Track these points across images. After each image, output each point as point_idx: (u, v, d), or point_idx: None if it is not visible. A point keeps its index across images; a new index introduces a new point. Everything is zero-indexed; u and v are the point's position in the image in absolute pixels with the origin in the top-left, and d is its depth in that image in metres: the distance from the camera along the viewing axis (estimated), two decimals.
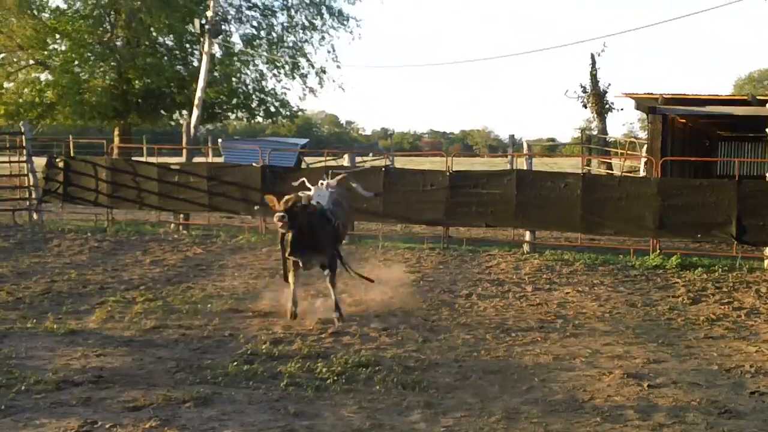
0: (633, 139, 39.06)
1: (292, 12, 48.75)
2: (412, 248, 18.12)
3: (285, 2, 48.65)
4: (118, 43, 45.64)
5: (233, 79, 47.19)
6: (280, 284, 12.07)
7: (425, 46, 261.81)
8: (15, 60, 45.40)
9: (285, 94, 53.17)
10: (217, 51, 42.21)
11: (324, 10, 48.90)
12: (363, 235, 19.70)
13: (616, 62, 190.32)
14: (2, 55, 44.79)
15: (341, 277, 11.97)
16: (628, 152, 32.10)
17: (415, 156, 70.24)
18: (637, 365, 9.15)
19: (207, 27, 32.36)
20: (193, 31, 42.30)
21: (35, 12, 44.00)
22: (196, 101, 34.08)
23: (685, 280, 15.03)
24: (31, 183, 22.97)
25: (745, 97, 25.18)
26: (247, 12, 49.18)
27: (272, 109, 49.34)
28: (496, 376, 8.69)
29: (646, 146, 27.63)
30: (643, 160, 25.80)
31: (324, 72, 49.20)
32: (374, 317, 11.42)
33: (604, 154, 35.86)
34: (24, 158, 23.02)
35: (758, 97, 24.38)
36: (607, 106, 40.24)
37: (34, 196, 22.97)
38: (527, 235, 18.78)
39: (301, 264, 11.16)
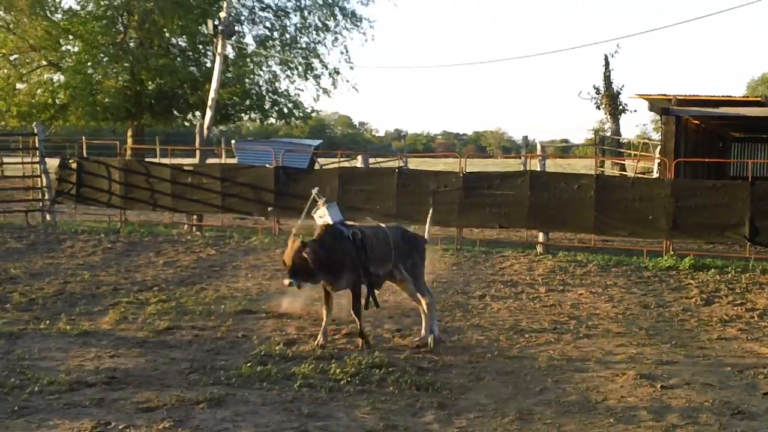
0: (646, 141, 38.99)
1: (306, 13, 48.88)
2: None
3: (298, 3, 48.78)
4: (131, 44, 45.68)
5: (246, 80, 47.24)
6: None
7: (438, 48, 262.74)
8: (28, 61, 45.44)
9: (298, 95, 53.36)
10: (230, 52, 42.21)
11: (337, 11, 48.99)
12: None
13: (629, 64, 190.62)
14: (15, 56, 44.82)
15: None
16: (642, 153, 32.06)
17: (429, 157, 70.15)
18: (650, 366, 9.12)
19: (220, 28, 32.31)
20: (206, 32, 42.53)
21: (48, 13, 44.03)
22: (209, 102, 34.08)
23: (698, 281, 15.00)
24: (44, 184, 23.07)
25: (759, 99, 25.09)
26: (260, 13, 49.36)
27: (285, 110, 49.34)
28: (510, 377, 8.68)
29: (659, 147, 27.52)
30: (657, 161, 25.71)
31: (338, 73, 49.32)
32: (388, 318, 11.42)
33: (617, 155, 35.78)
34: (37, 159, 23.13)
35: None
36: (621, 107, 40.25)
37: (47, 197, 23.07)
38: (540, 237, 18.77)
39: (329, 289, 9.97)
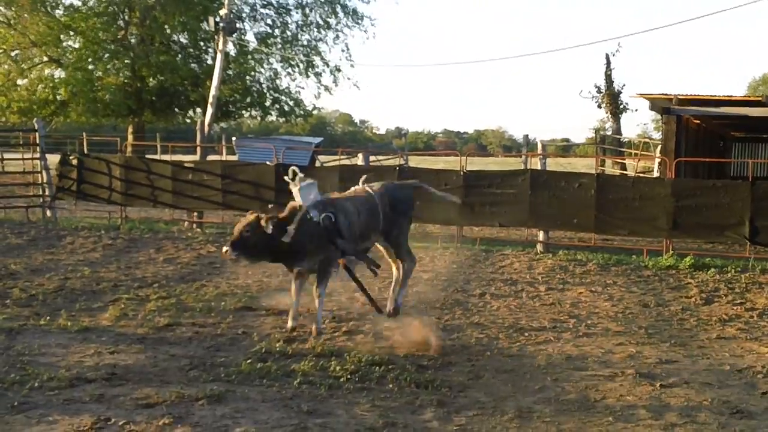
0: (647, 140, 38.99)
1: (307, 10, 48.81)
2: (426, 247, 18.08)
3: (299, 0, 48.73)
4: (132, 41, 45.60)
5: (247, 77, 47.25)
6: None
7: (439, 46, 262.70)
8: (28, 57, 45.40)
9: (299, 92, 53.27)
10: (232, 49, 42.25)
11: (339, 9, 48.93)
12: None
13: (630, 63, 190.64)
14: (16, 52, 44.75)
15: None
16: (642, 153, 32.06)
17: (430, 155, 70.24)
18: (650, 365, 9.13)
19: (221, 25, 32.36)
20: (207, 28, 42.50)
21: (49, 9, 44.03)
22: (210, 99, 34.13)
23: (698, 280, 15.00)
24: (45, 180, 23.05)
25: (760, 98, 25.11)
26: (262, 10, 49.31)
27: (286, 107, 49.33)
28: (509, 375, 8.69)
29: (660, 147, 27.58)
30: (657, 160, 25.74)
31: (339, 70, 49.32)
32: (387, 316, 11.42)
33: (618, 154, 35.83)
34: (37, 155, 23.10)
35: None
36: (622, 106, 40.27)
37: (47, 193, 23.05)
38: (541, 235, 18.77)
39: (293, 271, 10.30)
